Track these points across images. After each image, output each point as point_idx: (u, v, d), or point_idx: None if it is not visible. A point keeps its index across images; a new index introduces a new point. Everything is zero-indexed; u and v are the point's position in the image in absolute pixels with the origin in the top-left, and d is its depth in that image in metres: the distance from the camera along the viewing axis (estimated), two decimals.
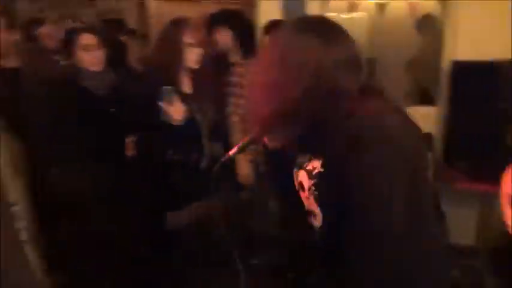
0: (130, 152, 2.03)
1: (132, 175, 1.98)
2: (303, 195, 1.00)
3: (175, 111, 1.81)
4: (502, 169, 1.86)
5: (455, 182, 2.54)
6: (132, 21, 3.23)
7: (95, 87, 2.04)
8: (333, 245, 0.94)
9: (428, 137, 2.78)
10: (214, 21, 2.41)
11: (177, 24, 1.88)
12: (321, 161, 0.92)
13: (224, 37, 2.40)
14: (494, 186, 1.96)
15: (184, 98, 1.88)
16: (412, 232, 0.84)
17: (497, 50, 2.43)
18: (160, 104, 1.80)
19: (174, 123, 1.81)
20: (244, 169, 2.38)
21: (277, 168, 1.09)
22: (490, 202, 2.55)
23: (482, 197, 2.72)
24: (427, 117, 2.86)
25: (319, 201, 0.94)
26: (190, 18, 1.96)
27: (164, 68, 1.83)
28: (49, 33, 2.88)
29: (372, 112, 0.87)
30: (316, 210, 0.96)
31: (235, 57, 2.55)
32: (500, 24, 2.53)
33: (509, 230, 1.77)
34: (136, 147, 1.99)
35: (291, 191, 1.06)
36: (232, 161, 2.34)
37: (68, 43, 2.07)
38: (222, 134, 2.32)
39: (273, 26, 2.44)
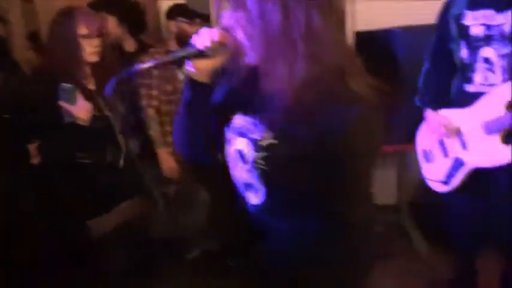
0: (35, 159, 1.82)
1: (40, 184, 1.78)
2: (240, 167, 0.91)
3: (80, 110, 1.64)
4: (411, 129, 2.00)
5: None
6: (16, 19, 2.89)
7: None
8: (278, 220, 0.91)
9: None
10: (93, 8, 2.21)
11: (68, 15, 1.71)
12: (273, 133, 0.84)
13: (109, 24, 2.24)
14: (408, 146, 2.10)
15: (89, 95, 1.72)
16: None
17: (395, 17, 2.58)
18: (62, 103, 1.61)
19: (81, 122, 1.65)
20: (168, 162, 2.27)
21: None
22: (406, 160, 2.75)
23: (398, 157, 2.91)
24: None
25: (268, 176, 0.86)
26: (81, 7, 1.79)
27: (60, 64, 1.65)
28: None
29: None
30: (258, 185, 0.89)
31: (128, 45, 2.43)
32: None
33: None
34: (41, 153, 1.79)
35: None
36: (154, 154, 2.25)
37: None
38: (137, 129, 2.20)
39: (176, 10, 2.35)
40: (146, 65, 0.85)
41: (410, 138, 2.00)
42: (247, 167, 0.89)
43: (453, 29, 1.69)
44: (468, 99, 1.68)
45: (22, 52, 2.59)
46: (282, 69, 0.79)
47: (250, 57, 0.83)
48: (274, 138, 0.84)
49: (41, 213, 1.84)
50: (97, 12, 2.08)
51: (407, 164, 2.74)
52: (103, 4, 2.25)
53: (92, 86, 1.77)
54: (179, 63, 0.90)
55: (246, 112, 0.91)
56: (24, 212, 1.87)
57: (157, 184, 2.35)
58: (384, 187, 2.87)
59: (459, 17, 1.66)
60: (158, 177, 2.29)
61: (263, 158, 0.85)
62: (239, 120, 0.92)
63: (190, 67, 0.87)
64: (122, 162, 1.80)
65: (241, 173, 0.92)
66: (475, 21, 1.63)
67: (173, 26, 2.31)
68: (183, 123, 0.96)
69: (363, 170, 0.88)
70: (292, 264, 0.91)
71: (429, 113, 1.81)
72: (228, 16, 0.84)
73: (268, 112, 0.86)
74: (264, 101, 0.86)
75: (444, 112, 1.77)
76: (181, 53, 0.85)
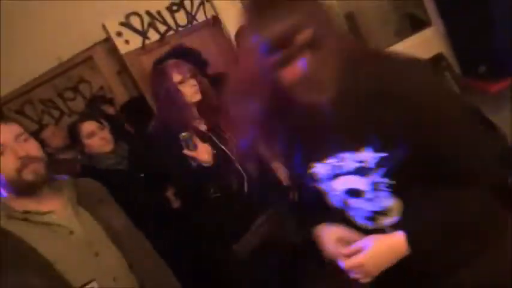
0: (175, 203, 2.04)
1: (185, 225, 1.98)
2: (355, 202, 0.92)
3: (202, 153, 1.75)
4: None
5: (485, 88, 2.47)
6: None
7: (116, 164, 2.07)
8: None
9: (440, 57, 2.70)
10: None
11: (159, 72, 1.90)
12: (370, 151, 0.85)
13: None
14: None
15: (204, 136, 1.85)
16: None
17: None
18: (185, 152, 1.75)
19: (206, 164, 1.76)
20: (282, 172, 2.36)
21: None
22: None
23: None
24: (429, 41, 2.79)
25: (397, 186, 0.86)
26: (167, 62, 1.97)
27: (173, 115, 1.81)
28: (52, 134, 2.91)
29: None
30: (389, 203, 0.89)
31: None
32: None
33: None
34: (178, 197, 2.01)
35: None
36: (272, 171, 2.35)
37: (74, 137, 2.11)
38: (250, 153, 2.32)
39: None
40: None
41: None
42: (367, 196, 0.89)
43: None
44: None
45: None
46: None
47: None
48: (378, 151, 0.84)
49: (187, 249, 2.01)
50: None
51: None
52: (177, 55, 2.45)
53: (203, 126, 1.92)
54: None
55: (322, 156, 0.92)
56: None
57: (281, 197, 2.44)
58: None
59: None
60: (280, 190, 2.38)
61: (383, 176, 0.85)
62: (320, 168, 0.93)
63: None
64: (246, 187, 1.90)
65: (359, 208, 0.92)
66: None
67: None
68: None
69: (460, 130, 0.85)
70: None
71: None
72: None
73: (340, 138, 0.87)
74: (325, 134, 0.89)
75: None
76: None
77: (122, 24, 2.56)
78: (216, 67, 2.75)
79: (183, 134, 1.72)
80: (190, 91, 1.84)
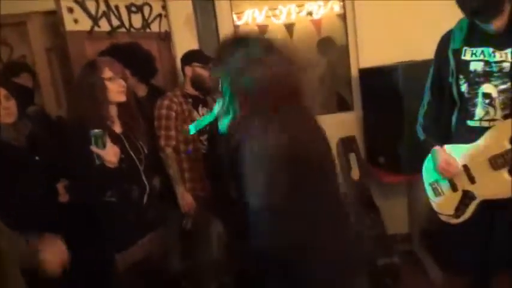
0: (63, 197, 1.92)
1: (68, 221, 1.86)
2: None
3: (109, 154, 1.72)
4: (417, 160, 2.05)
5: (381, 177, 2.77)
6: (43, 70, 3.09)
7: (13, 139, 1.91)
8: None
9: (351, 139, 3.00)
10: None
11: (92, 65, 1.86)
12: None
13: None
14: (414, 176, 2.16)
15: (116, 138, 1.83)
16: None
17: (395, 54, 2.74)
18: (93, 148, 1.70)
19: (109, 165, 1.72)
20: (186, 199, 2.37)
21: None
22: (413, 191, 2.82)
23: (407, 186, 2.97)
24: (347, 122, 3.10)
25: None
26: (102, 57, 1.95)
27: (89, 108, 1.77)
28: None
29: None
30: None
31: (140, 91, 2.59)
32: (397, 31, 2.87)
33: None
34: (70, 192, 1.90)
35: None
36: (172, 191, 2.35)
37: None
38: (157, 168, 2.31)
39: (191, 56, 2.51)
40: None
41: (418, 168, 2.01)
42: None
43: (452, 64, 1.72)
44: (470, 134, 1.71)
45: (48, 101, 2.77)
46: None
47: None
48: None
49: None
50: None
51: (416, 192, 2.81)
52: (117, 58, 2.42)
53: (117, 128, 1.89)
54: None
55: None
56: None
57: (176, 219, 2.43)
58: (396, 216, 2.94)
59: (458, 53, 1.70)
60: (177, 213, 2.38)
61: None
62: None
63: None
64: (145, 199, 1.89)
65: None
66: (475, 57, 1.67)
67: (189, 70, 2.47)
68: None
69: None
70: None
71: (434, 149, 1.83)
72: None
73: None
74: None
75: (448, 149, 1.79)
76: None
77: (76, 1, 2.46)
78: (155, 80, 2.75)
79: (96, 130, 1.69)
80: (117, 90, 1.83)
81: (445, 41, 1.77)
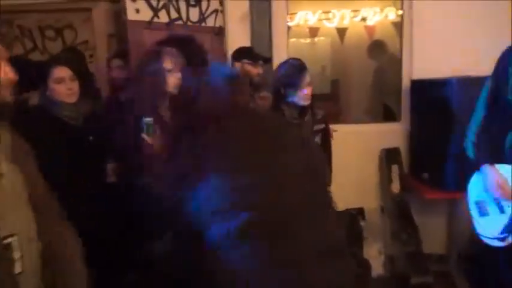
0: (110, 178, 2.03)
1: (113, 202, 1.97)
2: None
3: (157, 143, 1.81)
4: (463, 177, 2.00)
5: (423, 193, 2.70)
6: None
7: (72, 118, 2.04)
8: None
9: (395, 151, 2.95)
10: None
11: (155, 54, 1.94)
12: None
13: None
14: (459, 194, 2.10)
15: (164, 128, 1.89)
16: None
17: (449, 68, 2.66)
18: (143, 135, 1.77)
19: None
20: None
21: None
22: (456, 209, 2.73)
23: (449, 205, 2.87)
24: (392, 133, 3.04)
25: None
26: (167, 48, 2.02)
27: (148, 98, 1.84)
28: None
29: None
30: None
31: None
32: (453, 44, 2.79)
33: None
34: (116, 174, 2.00)
35: None
36: None
37: (41, 76, 2.06)
38: None
39: (242, 53, 2.55)
40: None
41: (462, 186, 1.98)
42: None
43: None
44: None
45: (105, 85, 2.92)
46: None
47: None
48: None
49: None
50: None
51: (458, 211, 2.72)
52: (171, 44, 2.50)
53: (168, 119, 1.96)
54: None
55: None
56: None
57: None
58: (434, 235, 2.85)
59: None
60: None
61: None
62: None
63: None
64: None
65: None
66: None
67: (238, 66, 2.52)
68: None
69: None
70: None
71: (486, 168, 1.79)
72: None
73: None
74: None
75: (500, 168, 1.75)
76: None
77: None
78: None
79: (148, 118, 1.75)
80: (174, 82, 1.89)
81: (506, 57, 1.73)
